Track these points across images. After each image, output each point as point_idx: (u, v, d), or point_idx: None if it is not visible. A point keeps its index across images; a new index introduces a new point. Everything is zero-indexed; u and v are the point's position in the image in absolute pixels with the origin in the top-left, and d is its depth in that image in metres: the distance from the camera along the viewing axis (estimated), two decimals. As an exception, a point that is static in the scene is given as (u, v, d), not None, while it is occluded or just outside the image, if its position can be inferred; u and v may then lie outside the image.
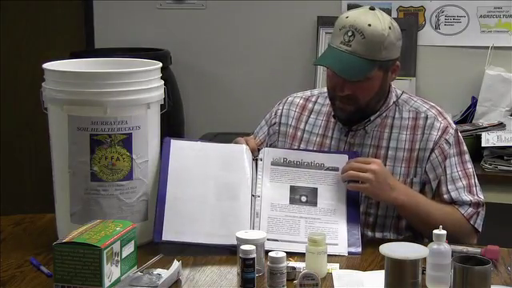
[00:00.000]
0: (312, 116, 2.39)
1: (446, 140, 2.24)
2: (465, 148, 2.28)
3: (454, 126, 2.28)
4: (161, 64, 2.24)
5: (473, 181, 2.26)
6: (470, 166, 2.27)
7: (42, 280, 1.96)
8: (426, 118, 2.26)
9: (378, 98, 2.25)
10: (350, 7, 3.75)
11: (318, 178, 2.22)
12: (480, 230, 2.25)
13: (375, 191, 2.16)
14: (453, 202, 2.23)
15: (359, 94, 2.20)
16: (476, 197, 2.24)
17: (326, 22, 3.85)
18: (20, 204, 4.38)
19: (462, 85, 3.82)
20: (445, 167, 2.23)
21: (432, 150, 2.23)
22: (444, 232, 1.87)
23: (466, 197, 2.23)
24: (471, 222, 2.22)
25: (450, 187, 2.23)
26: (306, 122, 2.39)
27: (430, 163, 2.24)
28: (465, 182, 2.24)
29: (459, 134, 2.29)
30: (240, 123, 3.89)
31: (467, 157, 2.27)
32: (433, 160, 2.24)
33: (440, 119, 2.26)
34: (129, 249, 1.93)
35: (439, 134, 2.24)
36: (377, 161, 2.18)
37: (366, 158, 2.22)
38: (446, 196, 2.23)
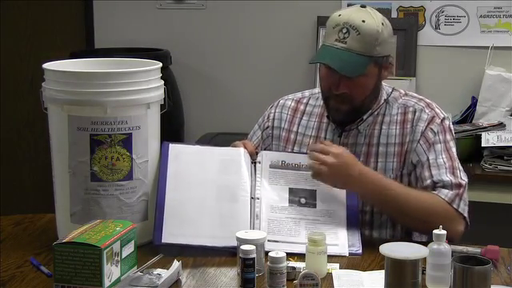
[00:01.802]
0: (304, 118, 2.39)
1: (431, 129, 2.24)
2: (450, 136, 2.26)
3: (441, 115, 2.27)
4: (161, 64, 2.24)
5: (456, 164, 2.23)
6: (454, 151, 2.25)
7: (42, 280, 1.96)
8: (415, 111, 2.27)
9: (372, 97, 2.26)
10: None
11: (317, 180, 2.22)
12: (466, 215, 2.19)
13: (330, 182, 2.15)
14: (434, 185, 2.20)
15: (354, 92, 2.20)
16: (458, 179, 2.20)
17: (326, 22, 3.85)
18: (20, 204, 4.38)
19: (461, 85, 3.82)
20: (428, 154, 2.22)
21: (418, 141, 2.23)
22: (444, 232, 1.87)
23: (447, 177, 2.19)
24: (454, 206, 2.17)
25: (433, 172, 2.20)
26: (299, 124, 2.39)
27: (415, 152, 2.23)
28: (448, 165, 2.21)
29: (447, 122, 2.27)
30: (240, 123, 3.89)
31: (452, 143, 2.26)
32: (417, 148, 2.23)
33: (427, 111, 2.26)
34: (129, 249, 1.93)
35: (426, 124, 2.24)
36: (336, 151, 2.12)
37: (325, 147, 2.15)
38: (428, 181, 2.20)
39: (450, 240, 2.14)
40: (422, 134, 2.23)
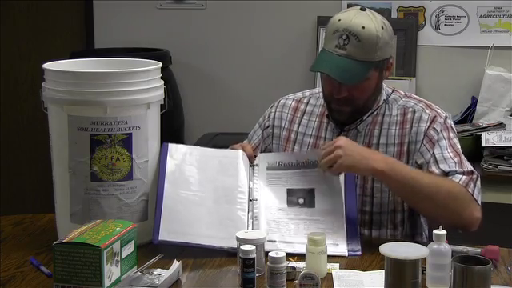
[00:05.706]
0: (305, 117, 2.40)
1: (434, 128, 2.23)
2: (453, 134, 2.25)
3: (443, 115, 2.27)
4: (161, 64, 2.24)
5: (463, 159, 2.21)
6: (458, 147, 2.24)
7: (41, 280, 1.96)
8: (414, 112, 2.27)
9: (374, 97, 2.26)
10: (350, 7, 3.75)
11: (314, 177, 2.21)
12: (480, 202, 2.15)
13: (350, 164, 2.10)
14: (445, 176, 2.18)
15: (356, 95, 2.21)
16: (467, 169, 2.18)
17: (326, 22, 3.80)
18: (20, 204, 4.39)
19: (462, 85, 3.82)
20: (434, 151, 2.20)
21: (422, 142, 2.23)
22: (444, 232, 1.87)
23: (456, 168, 2.17)
24: (469, 190, 2.14)
25: (441, 165, 2.18)
26: (299, 124, 2.39)
27: (419, 153, 2.23)
28: (456, 159, 2.19)
29: (449, 122, 2.27)
30: (240, 123, 3.89)
31: (456, 140, 2.25)
32: (421, 149, 2.23)
33: (428, 111, 2.26)
34: (129, 249, 1.93)
35: (428, 124, 2.24)
36: (340, 137, 2.16)
37: (328, 142, 2.19)
38: (437, 172, 2.18)
39: (467, 228, 2.13)
40: (425, 134, 2.23)
